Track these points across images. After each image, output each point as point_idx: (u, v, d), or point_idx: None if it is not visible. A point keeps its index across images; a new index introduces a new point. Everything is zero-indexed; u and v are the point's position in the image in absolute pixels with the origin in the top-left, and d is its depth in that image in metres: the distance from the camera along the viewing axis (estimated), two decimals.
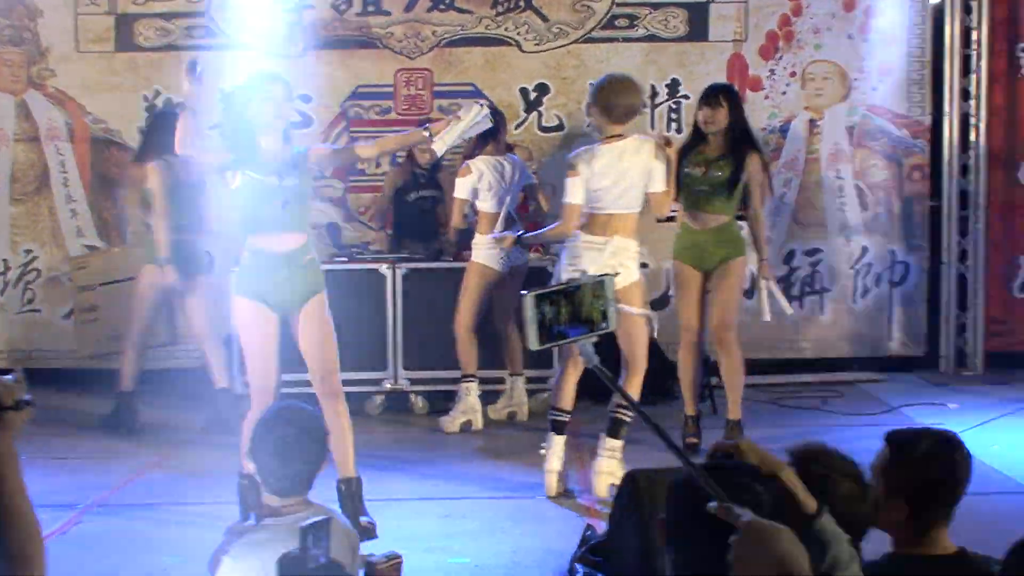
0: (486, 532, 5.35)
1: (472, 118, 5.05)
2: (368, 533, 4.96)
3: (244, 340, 5.25)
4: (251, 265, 5.16)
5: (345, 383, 7.40)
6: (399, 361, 7.52)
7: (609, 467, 5.75)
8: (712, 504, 2.04)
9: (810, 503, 2.39)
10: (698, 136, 6.51)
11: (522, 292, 2.17)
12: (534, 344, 2.15)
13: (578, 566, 4.52)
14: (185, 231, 7.03)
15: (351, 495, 5.17)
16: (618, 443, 5.81)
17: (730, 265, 6.47)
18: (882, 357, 8.74)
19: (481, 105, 5.13)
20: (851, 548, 2.39)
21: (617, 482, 4.81)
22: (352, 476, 5.21)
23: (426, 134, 5.13)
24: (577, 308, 2.18)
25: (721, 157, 6.40)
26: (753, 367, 8.19)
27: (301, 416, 3.30)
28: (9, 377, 2.20)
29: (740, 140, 6.44)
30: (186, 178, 6.80)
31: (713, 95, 6.47)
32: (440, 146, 5.11)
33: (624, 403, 5.63)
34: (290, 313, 5.20)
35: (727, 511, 1.90)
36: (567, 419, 5.87)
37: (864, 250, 8.74)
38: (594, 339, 2.21)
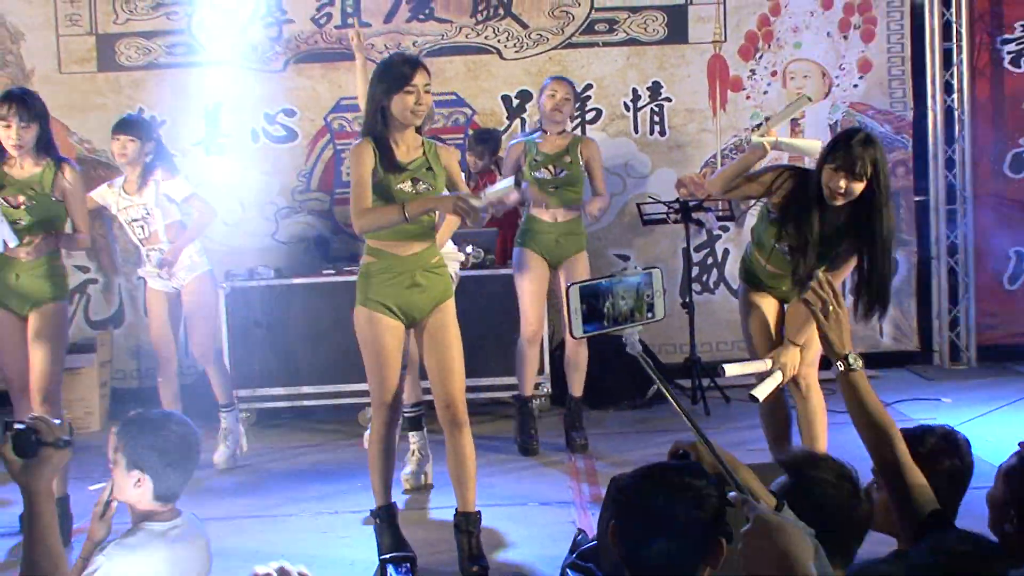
0: None
1: (501, 187, 4.98)
2: None
3: (366, 354, 4.77)
4: (374, 271, 4.74)
5: (340, 395, 7.46)
6: None
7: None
8: (732, 495, 2.11)
9: (768, 503, 2.39)
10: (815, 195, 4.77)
11: (570, 284, 2.32)
12: (578, 332, 2.29)
13: (569, 571, 4.51)
14: None
15: (468, 532, 4.88)
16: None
17: None
18: (874, 353, 8.75)
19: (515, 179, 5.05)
20: (815, 540, 2.40)
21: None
22: (471, 511, 4.90)
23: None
24: (620, 299, 2.26)
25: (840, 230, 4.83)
26: None
27: (186, 424, 3.26)
28: (56, 421, 2.53)
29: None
30: None
31: (857, 162, 4.58)
32: (478, 203, 4.69)
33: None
34: (417, 322, 4.81)
35: (744, 502, 1.94)
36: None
37: None
38: (640, 328, 2.29)
